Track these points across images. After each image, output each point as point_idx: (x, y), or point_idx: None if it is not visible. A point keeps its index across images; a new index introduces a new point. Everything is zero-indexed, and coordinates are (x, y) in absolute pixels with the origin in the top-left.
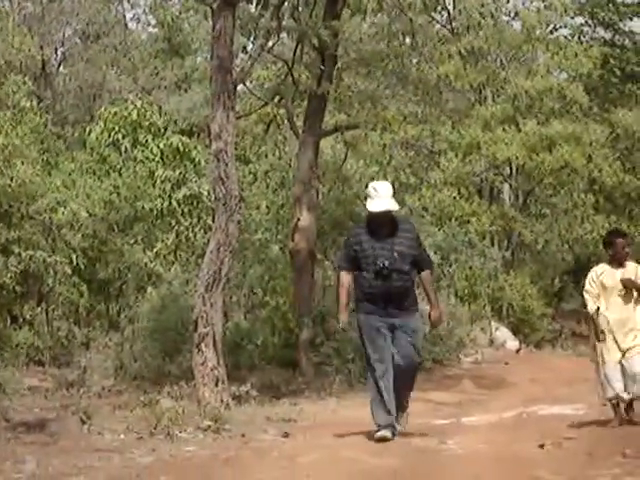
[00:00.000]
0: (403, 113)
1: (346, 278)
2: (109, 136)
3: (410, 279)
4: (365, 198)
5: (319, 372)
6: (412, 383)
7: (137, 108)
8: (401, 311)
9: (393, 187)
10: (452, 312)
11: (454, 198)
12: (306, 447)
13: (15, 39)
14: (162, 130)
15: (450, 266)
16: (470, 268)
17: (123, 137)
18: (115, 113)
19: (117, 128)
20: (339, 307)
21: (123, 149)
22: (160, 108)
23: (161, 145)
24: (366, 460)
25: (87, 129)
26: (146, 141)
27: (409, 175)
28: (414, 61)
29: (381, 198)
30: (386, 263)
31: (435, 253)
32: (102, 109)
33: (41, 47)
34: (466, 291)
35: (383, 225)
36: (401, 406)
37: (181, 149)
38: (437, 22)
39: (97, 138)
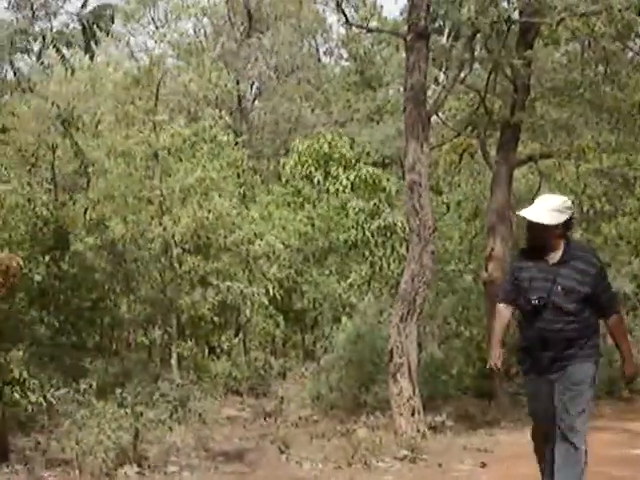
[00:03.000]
0: (597, 142)
1: (503, 313)
2: (302, 169)
3: (579, 323)
4: None
5: (515, 402)
6: (571, 465)
7: (327, 141)
8: (562, 363)
9: (570, 206)
10: None
11: None
12: (503, 478)
13: (212, 74)
14: (352, 162)
15: None
16: None
17: (315, 169)
18: (308, 146)
19: (309, 161)
20: (491, 345)
21: (316, 181)
22: (353, 140)
23: (351, 177)
24: None
25: (281, 162)
26: (337, 174)
27: (604, 204)
28: (608, 89)
29: (537, 207)
30: (535, 297)
31: (630, 282)
32: (296, 142)
33: (237, 82)
34: None
35: (544, 247)
36: None
37: (371, 181)
38: (630, 50)
39: (291, 171)
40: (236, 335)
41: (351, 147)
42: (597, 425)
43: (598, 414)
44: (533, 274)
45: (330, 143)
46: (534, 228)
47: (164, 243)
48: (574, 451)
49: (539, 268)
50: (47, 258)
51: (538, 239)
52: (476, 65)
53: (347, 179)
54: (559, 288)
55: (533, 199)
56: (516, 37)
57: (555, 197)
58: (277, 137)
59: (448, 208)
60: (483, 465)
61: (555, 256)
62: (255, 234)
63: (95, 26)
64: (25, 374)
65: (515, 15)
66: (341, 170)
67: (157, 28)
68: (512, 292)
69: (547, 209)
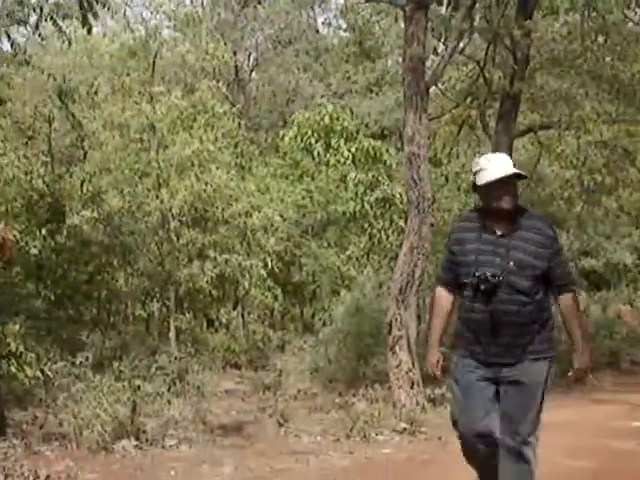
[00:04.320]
0: (598, 112)
1: (442, 298)
2: (302, 140)
3: (534, 304)
4: (474, 175)
5: None
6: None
7: (329, 113)
8: (515, 355)
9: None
10: None
11: None
12: None
13: (209, 45)
14: (354, 134)
15: None
16: None
17: (316, 141)
18: (308, 118)
19: (310, 132)
20: (428, 344)
21: (316, 153)
22: (352, 112)
23: (352, 149)
24: (561, 462)
25: (280, 134)
26: (338, 145)
27: (605, 175)
28: (607, 59)
29: (498, 163)
30: (489, 274)
31: (631, 254)
32: (295, 114)
33: (234, 53)
34: None
35: (510, 211)
36: None
37: (372, 153)
38: (630, 20)
39: (290, 143)
40: (234, 308)
41: (351, 119)
42: (597, 397)
43: (599, 386)
44: (478, 247)
45: (332, 115)
46: (506, 185)
47: (161, 216)
48: (527, 467)
49: (485, 240)
50: (43, 231)
51: (509, 198)
52: (475, 35)
53: (348, 151)
54: (512, 263)
55: (534, 170)
56: (515, 7)
57: (500, 154)
58: (275, 109)
59: (447, 180)
60: None
61: (504, 225)
62: (253, 207)
63: None
64: (22, 347)
65: None
66: (342, 142)
67: None
68: (452, 271)
69: (509, 164)
